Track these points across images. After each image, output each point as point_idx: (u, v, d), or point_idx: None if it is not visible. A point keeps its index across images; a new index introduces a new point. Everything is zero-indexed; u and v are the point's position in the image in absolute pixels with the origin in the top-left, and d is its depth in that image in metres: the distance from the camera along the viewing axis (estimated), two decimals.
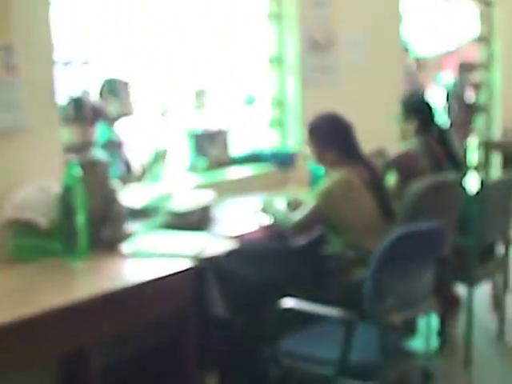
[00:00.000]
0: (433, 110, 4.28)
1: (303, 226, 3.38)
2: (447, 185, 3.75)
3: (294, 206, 3.65)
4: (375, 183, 3.41)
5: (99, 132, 4.21)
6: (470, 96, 7.97)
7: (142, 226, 3.26)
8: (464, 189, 4.07)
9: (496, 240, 4.33)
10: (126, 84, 4.37)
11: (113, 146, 4.20)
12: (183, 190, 3.82)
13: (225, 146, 4.77)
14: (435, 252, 2.88)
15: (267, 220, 3.51)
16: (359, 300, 2.72)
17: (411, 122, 4.17)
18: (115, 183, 3.17)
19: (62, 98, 3.59)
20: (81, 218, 2.81)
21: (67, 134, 3.57)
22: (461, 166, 4.29)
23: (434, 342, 3.15)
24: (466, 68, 7.80)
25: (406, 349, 3.04)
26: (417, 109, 4.22)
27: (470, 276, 3.96)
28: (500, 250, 4.39)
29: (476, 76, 7.98)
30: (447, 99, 7.76)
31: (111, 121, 4.28)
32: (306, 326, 3.00)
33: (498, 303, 4.60)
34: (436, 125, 4.28)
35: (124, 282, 2.65)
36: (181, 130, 5.64)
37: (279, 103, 5.09)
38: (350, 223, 3.31)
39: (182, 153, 4.70)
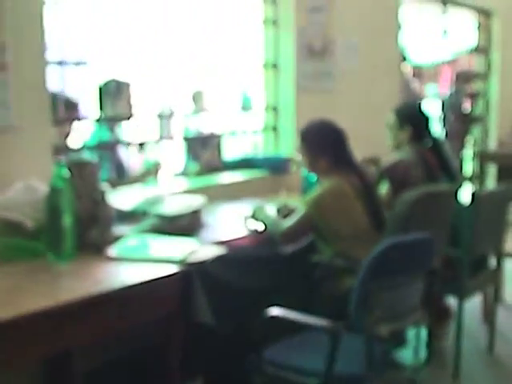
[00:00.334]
0: (428, 120, 4.26)
1: (292, 233, 3.35)
2: (439, 195, 3.72)
3: (284, 212, 3.63)
4: (367, 192, 3.38)
5: (91, 132, 4.18)
6: (466, 106, 7.96)
7: (130, 229, 3.23)
8: (457, 200, 4.04)
9: (488, 252, 4.31)
10: (126, 85, 4.31)
11: (107, 147, 4.16)
12: (173, 193, 3.79)
13: (217, 150, 4.75)
14: (425, 263, 2.85)
15: (257, 226, 3.48)
16: (347, 310, 2.70)
17: (405, 130, 4.14)
18: (104, 185, 3.13)
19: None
20: (67, 220, 2.77)
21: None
22: (455, 177, 4.26)
23: (423, 354, 3.13)
24: (462, 78, 7.79)
25: (393, 360, 3.01)
26: (411, 118, 4.19)
27: (460, 288, 3.94)
28: (492, 262, 4.37)
29: (473, 86, 7.98)
30: (443, 109, 7.74)
31: (110, 122, 4.23)
32: (292, 335, 2.97)
33: (488, 316, 4.58)
34: (430, 134, 4.25)
35: (109, 285, 2.61)
36: (177, 132, 5.62)
37: (273, 109, 5.06)
38: (339, 232, 3.29)
39: (176, 156, 4.67)
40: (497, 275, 4.43)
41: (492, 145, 8.24)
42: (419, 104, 4.58)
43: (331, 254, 3.31)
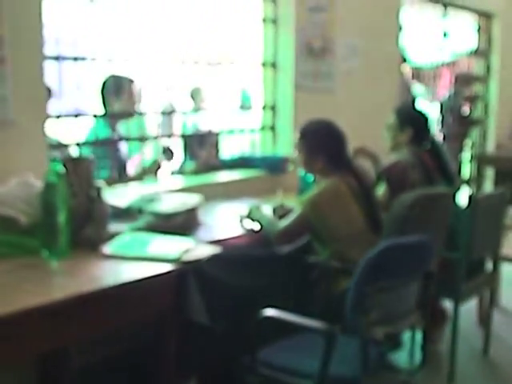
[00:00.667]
0: (428, 121, 4.24)
1: (288, 233, 3.33)
2: (436, 198, 3.70)
3: (280, 212, 3.61)
4: (364, 194, 3.37)
5: (90, 129, 4.14)
6: (465, 109, 7.95)
7: (126, 226, 3.21)
8: (455, 202, 4.03)
9: (485, 255, 4.30)
10: (130, 81, 4.26)
11: (105, 144, 4.12)
12: (170, 191, 3.77)
13: (215, 148, 4.72)
14: (421, 266, 2.83)
15: (253, 226, 3.46)
16: (342, 311, 2.68)
17: (405, 132, 4.12)
18: (100, 182, 3.11)
19: None
20: (62, 217, 2.75)
21: None
22: (452, 180, 4.25)
23: (418, 357, 3.11)
24: (462, 80, 7.78)
25: (388, 363, 2.99)
26: (412, 119, 4.18)
27: (456, 291, 3.92)
28: (488, 265, 4.36)
29: (472, 89, 7.96)
30: (441, 111, 7.73)
31: (111, 119, 4.18)
32: (287, 336, 2.96)
33: (484, 319, 4.57)
34: (430, 136, 4.24)
35: (104, 282, 2.59)
36: (176, 130, 5.59)
37: (271, 108, 5.04)
38: (336, 233, 3.27)
39: (176, 154, 4.64)
40: (493, 279, 4.42)
41: (490, 148, 8.23)
42: (419, 105, 4.57)
43: (327, 255, 3.29)
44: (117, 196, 3.43)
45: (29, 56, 3.23)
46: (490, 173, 7.90)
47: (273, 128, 5.08)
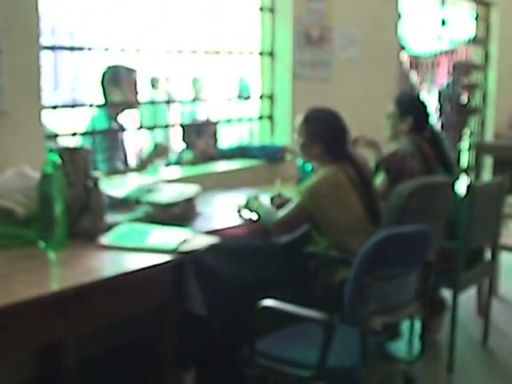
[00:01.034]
0: (427, 110, 4.23)
1: (287, 223, 3.32)
2: (435, 187, 3.68)
3: (277, 201, 3.59)
4: (362, 183, 3.35)
5: (90, 119, 4.11)
6: (463, 97, 7.93)
7: (123, 217, 3.19)
8: (454, 192, 4.01)
9: (484, 244, 4.29)
10: (130, 72, 4.21)
11: (108, 134, 4.10)
12: (167, 181, 3.75)
13: (213, 138, 4.70)
14: (420, 256, 2.82)
15: (251, 216, 3.45)
16: (341, 301, 2.67)
17: (405, 120, 4.10)
18: (96, 172, 3.09)
19: None
20: (59, 207, 2.73)
21: None
22: (451, 169, 4.23)
23: (417, 347, 3.11)
24: (460, 69, 7.76)
25: (387, 353, 2.98)
26: (413, 108, 4.16)
27: (455, 281, 3.91)
28: (487, 254, 4.35)
29: (470, 77, 7.94)
30: (440, 100, 7.71)
31: (112, 109, 4.15)
32: (285, 327, 2.95)
33: (483, 309, 4.57)
34: (429, 125, 4.22)
35: (101, 274, 2.58)
36: (175, 119, 5.58)
37: (269, 97, 5.02)
38: (334, 222, 3.26)
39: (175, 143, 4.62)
40: (492, 268, 4.41)
41: (488, 137, 8.22)
42: (418, 94, 4.55)
43: (326, 244, 3.28)
44: (115, 186, 3.41)
45: (25, 46, 3.21)
46: (488, 162, 7.88)
47: (271, 117, 5.06)
